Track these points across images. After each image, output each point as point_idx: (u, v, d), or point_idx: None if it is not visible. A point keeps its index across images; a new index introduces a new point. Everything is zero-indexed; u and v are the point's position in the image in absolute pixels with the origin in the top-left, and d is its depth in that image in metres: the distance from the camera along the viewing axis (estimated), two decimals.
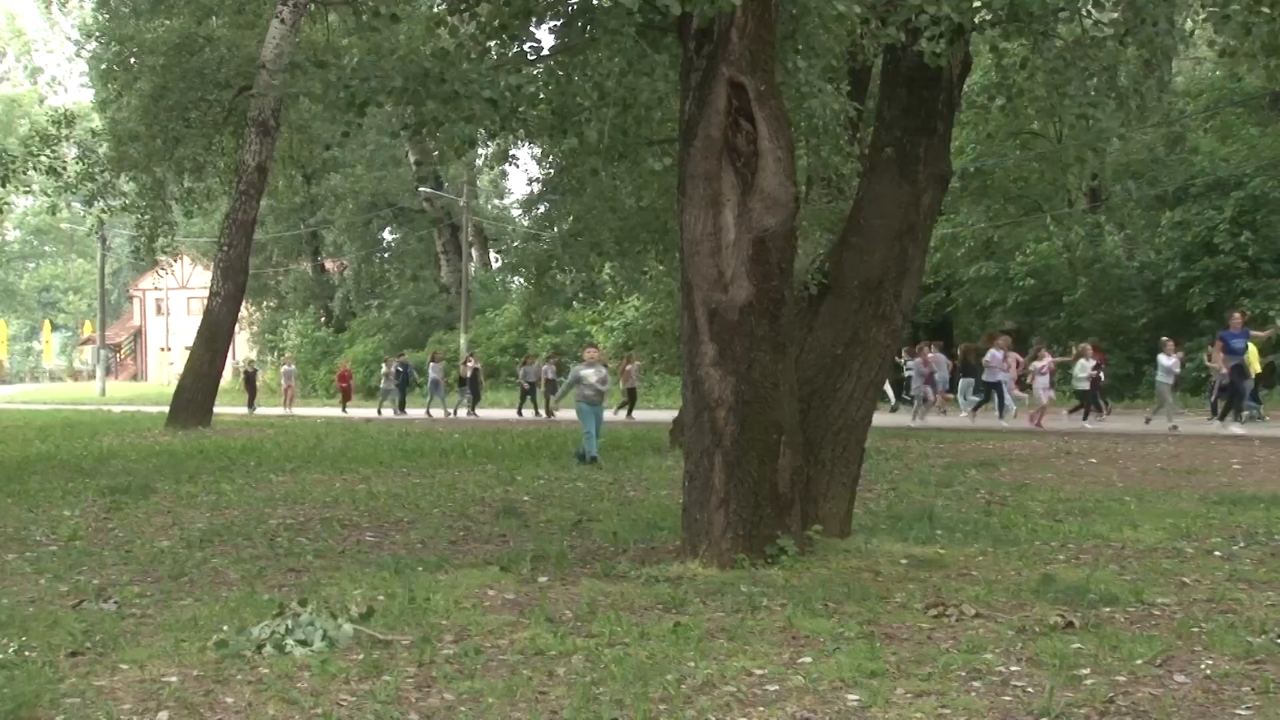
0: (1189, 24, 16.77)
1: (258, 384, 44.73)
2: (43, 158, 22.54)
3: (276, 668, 6.23)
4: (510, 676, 6.04)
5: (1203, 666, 6.11)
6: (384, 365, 38.99)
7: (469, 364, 37.45)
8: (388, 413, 36.87)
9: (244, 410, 39.69)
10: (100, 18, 33.04)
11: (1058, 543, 9.98)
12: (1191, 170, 31.86)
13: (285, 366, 44.50)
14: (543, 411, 34.41)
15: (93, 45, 34.37)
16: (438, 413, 35.71)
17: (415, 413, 36.70)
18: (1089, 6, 9.30)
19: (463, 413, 36.11)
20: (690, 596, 7.79)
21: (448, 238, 51.61)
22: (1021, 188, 33.28)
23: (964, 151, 31.26)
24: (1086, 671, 6.00)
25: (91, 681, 6.05)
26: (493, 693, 5.78)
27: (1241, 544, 9.81)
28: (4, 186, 21.51)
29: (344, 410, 38.65)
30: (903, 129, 10.10)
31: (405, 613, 7.42)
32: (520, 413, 34.77)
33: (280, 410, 40.33)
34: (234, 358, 51.95)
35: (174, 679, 6.05)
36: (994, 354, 25.42)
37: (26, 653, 6.60)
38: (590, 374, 13.35)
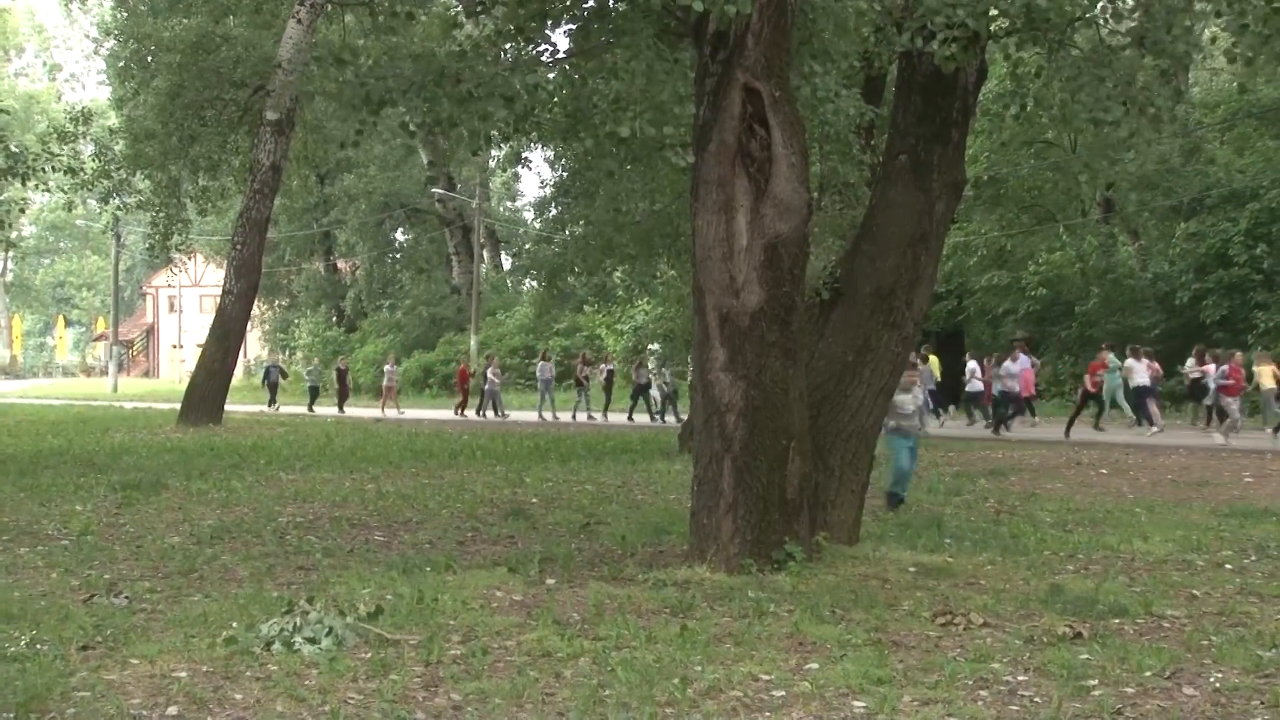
0: (1207, 33, 16.74)
1: (348, 383, 40.06)
2: (62, 156, 22.58)
3: (285, 665, 6.25)
4: (517, 677, 6.05)
5: (1212, 679, 6.10)
6: (489, 366, 35.31)
7: (602, 365, 35.30)
8: (491, 415, 34.15)
9: (333, 410, 37.23)
10: (119, 16, 33.13)
11: (1067, 553, 9.97)
12: (1207, 181, 31.76)
13: (388, 365, 38.60)
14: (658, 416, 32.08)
15: (111, 43, 34.42)
16: (547, 415, 33.12)
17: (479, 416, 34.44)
18: (1106, 15, 9.30)
19: (582, 416, 32.98)
20: (697, 601, 7.79)
21: (459, 239, 51.65)
22: (1035, 197, 33.22)
23: (978, 160, 31.21)
24: (1095, 683, 6.00)
25: (102, 675, 6.08)
26: (499, 693, 5.79)
27: (1253, 557, 9.79)
28: (23, 184, 21.56)
29: (462, 413, 34.95)
30: (917, 136, 10.10)
31: (413, 612, 7.44)
32: (631, 417, 32.15)
33: (382, 413, 36.02)
34: (245, 356, 51.92)
35: (184, 674, 6.08)
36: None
37: (38, 646, 6.64)
38: (905, 399, 11.75)
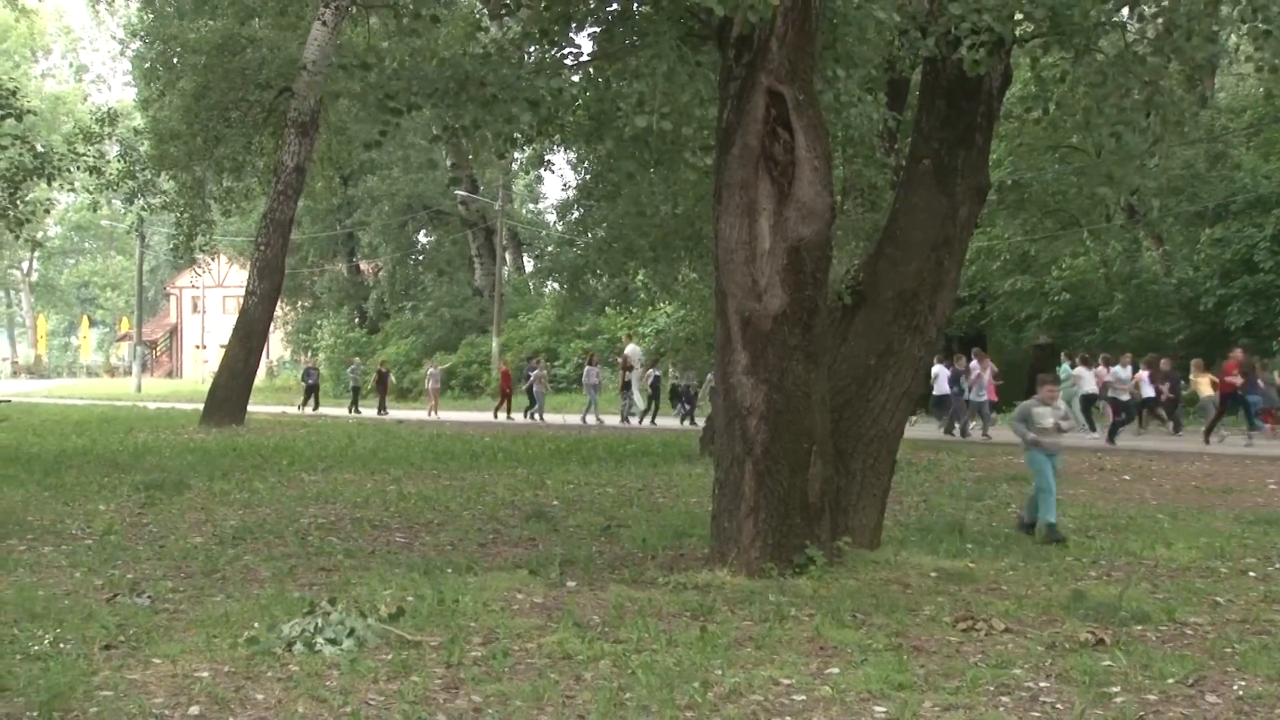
0: (1232, 39, 16.65)
1: (389, 384, 39.55)
2: (86, 156, 22.73)
3: (306, 665, 6.27)
4: (537, 680, 6.06)
5: (1235, 687, 6.07)
6: (534, 368, 34.58)
7: (649, 371, 34.69)
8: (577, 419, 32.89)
9: (370, 412, 36.65)
10: (145, 17, 33.32)
11: (1089, 559, 9.93)
12: (1233, 187, 31.57)
13: (431, 369, 38.73)
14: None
15: (137, 44, 34.63)
16: (591, 419, 32.16)
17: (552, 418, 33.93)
18: (1131, 21, 9.27)
19: (639, 420, 32.25)
20: (718, 604, 7.79)
21: (482, 241, 51.72)
22: (1059, 201, 33.03)
23: (1001, 164, 31.08)
24: (1117, 689, 5.97)
25: (124, 675, 6.11)
26: (519, 695, 5.80)
27: (1277, 565, 9.73)
28: (48, 184, 21.71)
29: (508, 416, 34.29)
30: (941, 141, 10.08)
31: (434, 614, 7.45)
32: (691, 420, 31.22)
33: (432, 414, 35.62)
34: (268, 357, 52.03)
35: (205, 674, 6.10)
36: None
37: (61, 645, 6.68)
38: (1044, 411, 10.97)
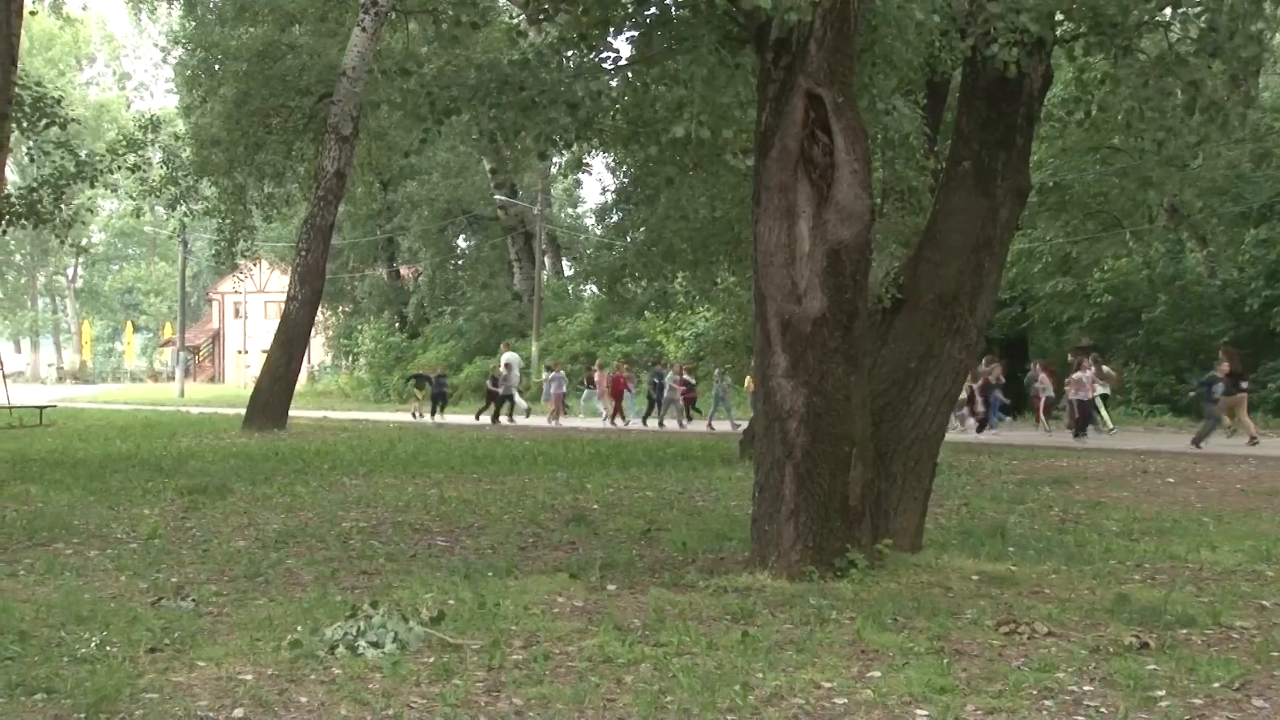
0: (1277, 38, 16.51)
1: (447, 389, 37.15)
2: (129, 158, 22.98)
3: (349, 668, 6.31)
4: (578, 683, 6.07)
5: None
6: (664, 373, 33.06)
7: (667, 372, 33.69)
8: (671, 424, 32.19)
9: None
10: (187, 25, 33.69)
11: (1133, 562, 9.85)
12: (1278, 187, 31.26)
13: (553, 373, 36.26)
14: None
15: (179, 51, 35.00)
16: (722, 425, 30.62)
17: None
18: (1174, 20, 9.20)
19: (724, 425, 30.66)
20: (759, 608, 7.78)
21: (521, 245, 51.92)
22: (1101, 203, 32.80)
23: (1042, 165, 30.89)
24: (1162, 694, 5.92)
25: (170, 678, 6.16)
26: (561, 699, 5.81)
27: None
28: (90, 186, 21.95)
29: (614, 420, 33.25)
30: (981, 142, 10.03)
31: (475, 617, 7.47)
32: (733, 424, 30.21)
33: (553, 421, 34.12)
34: (309, 362, 52.26)
35: (249, 677, 6.15)
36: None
37: (108, 647, 6.74)
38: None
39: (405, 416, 37.48)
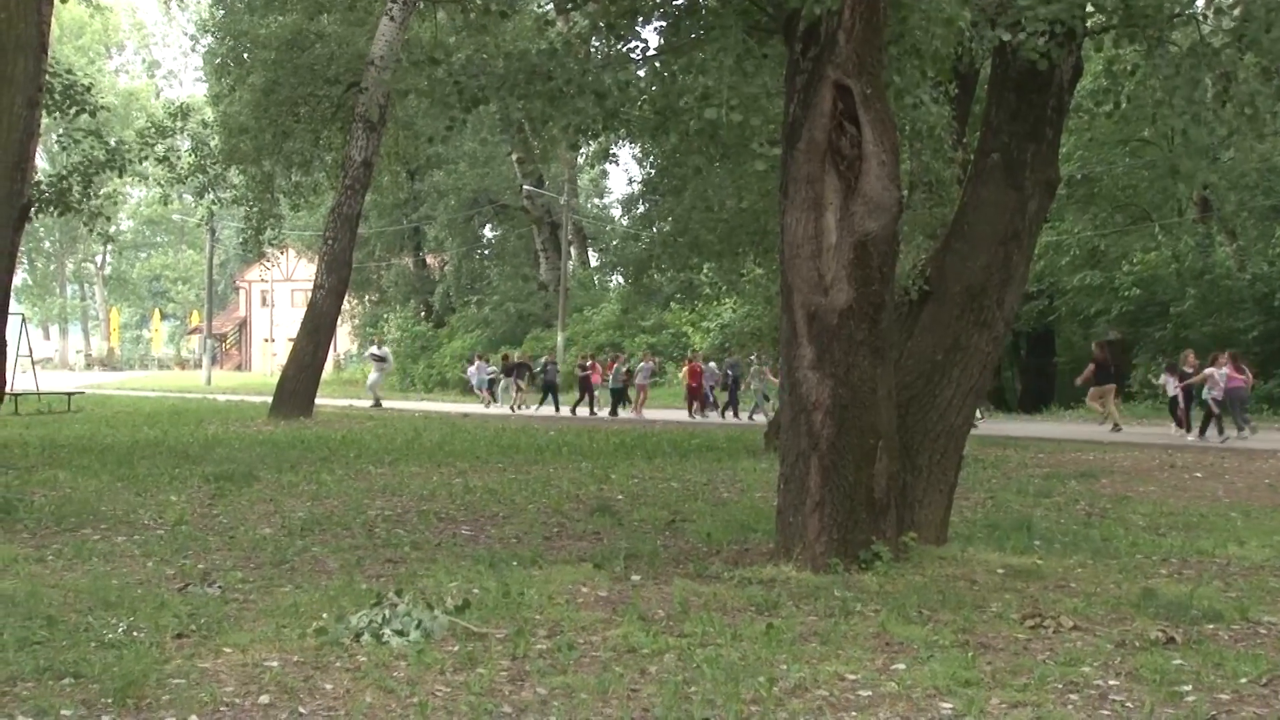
0: None
1: (595, 380, 34.80)
2: (158, 147, 23.06)
3: (374, 656, 6.33)
4: (602, 673, 6.08)
5: None
6: (757, 365, 31.39)
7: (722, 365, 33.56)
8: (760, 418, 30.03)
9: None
10: (216, 13, 33.75)
11: (1159, 557, 9.80)
12: None
13: (644, 363, 34.95)
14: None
15: (208, 40, 35.10)
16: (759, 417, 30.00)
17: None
18: (1207, 12, 9.14)
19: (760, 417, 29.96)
20: (783, 599, 7.77)
21: (547, 235, 51.94)
22: (1130, 196, 32.63)
23: (1071, 157, 30.74)
24: (1188, 689, 5.89)
25: (196, 663, 6.20)
26: (585, 688, 5.82)
27: None
28: (119, 175, 22.03)
29: (694, 414, 32.50)
30: (1010, 134, 9.99)
31: (499, 606, 7.49)
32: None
33: (638, 413, 33.30)
34: (335, 350, 52.42)
35: (275, 664, 6.18)
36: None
37: (135, 633, 6.79)
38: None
39: (432, 406, 37.52)
